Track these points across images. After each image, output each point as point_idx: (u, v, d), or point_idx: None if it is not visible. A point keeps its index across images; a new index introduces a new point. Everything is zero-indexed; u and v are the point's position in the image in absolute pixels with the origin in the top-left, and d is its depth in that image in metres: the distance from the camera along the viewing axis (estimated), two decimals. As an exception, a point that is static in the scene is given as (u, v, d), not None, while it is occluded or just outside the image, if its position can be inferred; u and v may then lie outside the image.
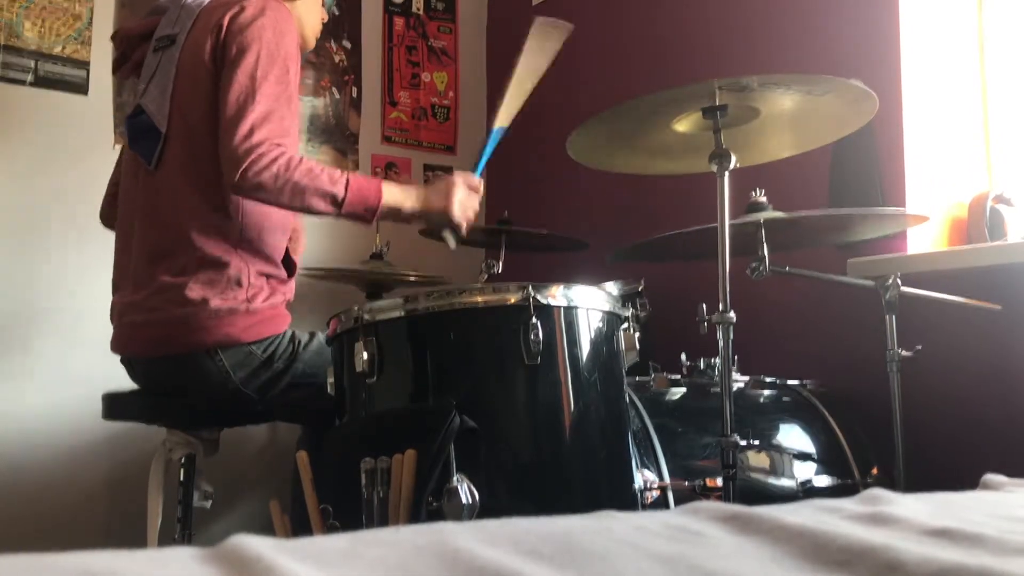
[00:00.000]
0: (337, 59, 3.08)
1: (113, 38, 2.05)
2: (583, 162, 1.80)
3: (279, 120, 1.65)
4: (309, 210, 1.67)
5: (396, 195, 1.71)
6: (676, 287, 2.22)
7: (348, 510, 1.38)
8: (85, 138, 2.60)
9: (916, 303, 1.76)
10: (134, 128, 1.86)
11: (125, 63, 1.99)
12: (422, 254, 2.68)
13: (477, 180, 1.81)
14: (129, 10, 2.67)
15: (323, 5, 2.02)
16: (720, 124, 1.56)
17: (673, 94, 1.53)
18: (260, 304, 1.75)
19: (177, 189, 1.75)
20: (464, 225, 1.77)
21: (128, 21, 2.55)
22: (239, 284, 1.73)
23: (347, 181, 1.65)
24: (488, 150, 1.88)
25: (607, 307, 1.55)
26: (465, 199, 1.76)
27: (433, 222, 1.80)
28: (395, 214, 1.72)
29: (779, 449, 1.80)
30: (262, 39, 1.70)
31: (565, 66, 3.12)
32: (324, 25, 2.04)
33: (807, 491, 1.74)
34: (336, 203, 1.65)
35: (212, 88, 1.71)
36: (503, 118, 1.86)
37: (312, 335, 1.83)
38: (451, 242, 1.79)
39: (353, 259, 2.70)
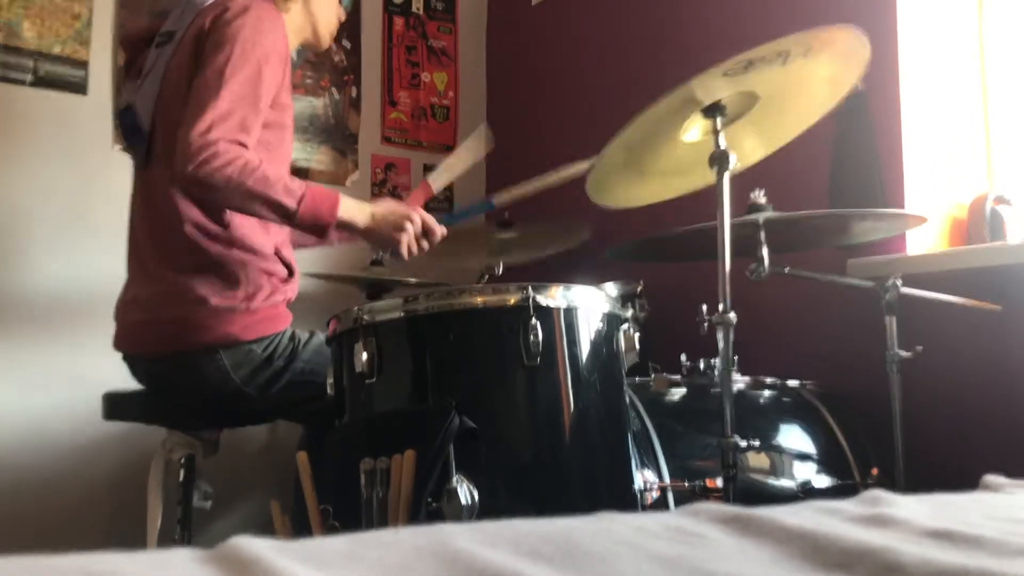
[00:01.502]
0: (337, 59, 3.08)
1: (122, 43, 2.06)
2: (609, 204, 1.81)
3: (240, 120, 1.63)
4: (257, 216, 1.66)
5: (351, 211, 1.68)
6: (676, 288, 2.22)
7: (348, 511, 1.38)
8: (84, 138, 2.59)
9: (916, 304, 1.76)
10: (123, 125, 1.87)
11: (132, 67, 1.99)
12: (423, 259, 2.66)
13: (440, 228, 1.78)
14: (129, 10, 2.66)
15: (340, 4, 2.00)
16: (721, 124, 1.55)
17: (673, 96, 1.53)
18: (260, 303, 1.75)
19: (167, 186, 1.74)
20: (406, 258, 1.75)
21: (131, 21, 2.55)
22: (237, 282, 1.73)
23: (302, 196, 1.62)
24: (471, 214, 2.02)
25: (607, 308, 1.55)
26: (413, 238, 1.73)
27: (377, 244, 1.79)
28: (348, 229, 1.70)
29: (779, 450, 1.80)
30: (237, 38, 1.68)
31: (565, 66, 3.13)
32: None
33: (807, 492, 1.74)
34: (287, 215, 1.62)
35: (190, 88, 1.69)
36: (504, 197, 1.93)
37: (312, 333, 1.83)
38: (387, 260, 1.79)
39: (354, 266, 2.68)
